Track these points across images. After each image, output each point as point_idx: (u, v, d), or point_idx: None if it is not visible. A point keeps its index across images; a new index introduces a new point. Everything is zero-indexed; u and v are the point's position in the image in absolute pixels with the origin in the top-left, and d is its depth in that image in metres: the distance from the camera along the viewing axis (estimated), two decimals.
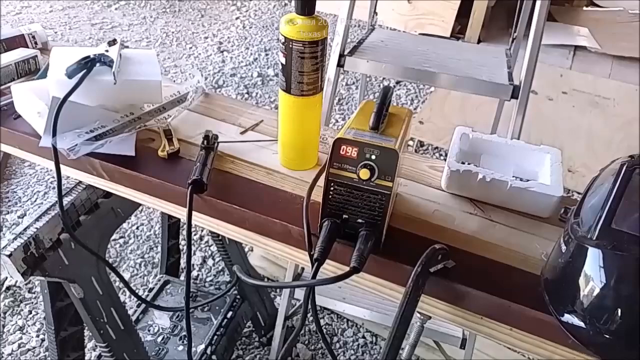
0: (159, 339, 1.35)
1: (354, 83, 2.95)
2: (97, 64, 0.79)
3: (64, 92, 0.75)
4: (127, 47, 0.90)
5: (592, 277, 0.52)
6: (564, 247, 0.57)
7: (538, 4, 1.14)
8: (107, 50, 0.82)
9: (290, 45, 0.68)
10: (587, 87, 2.93)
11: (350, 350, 1.57)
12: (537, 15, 1.15)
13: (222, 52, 3.22)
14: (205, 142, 0.79)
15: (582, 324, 0.54)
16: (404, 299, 0.60)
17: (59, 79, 0.77)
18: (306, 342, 1.59)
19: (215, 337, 1.37)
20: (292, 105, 0.74)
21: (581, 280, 0.53)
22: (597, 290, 0.52)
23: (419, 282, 0.60)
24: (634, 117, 2.63)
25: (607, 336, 0.52)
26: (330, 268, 0.69)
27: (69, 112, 0.75)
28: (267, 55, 3.21)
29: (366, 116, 0.65)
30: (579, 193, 2.13)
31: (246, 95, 2.79)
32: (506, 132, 1.24)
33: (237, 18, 3.73)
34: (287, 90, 0.72)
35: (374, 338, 1.61)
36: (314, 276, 0.60)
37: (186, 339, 0.84)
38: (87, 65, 0.78)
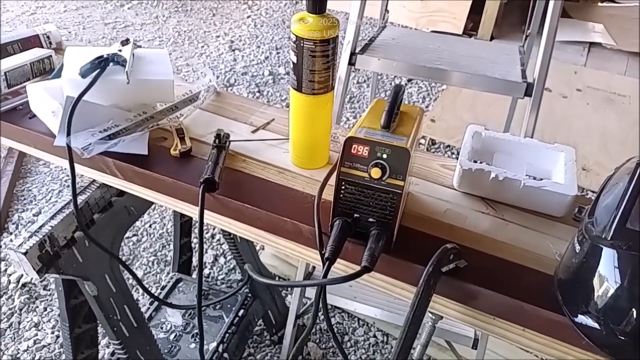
0: (172, 337, 1.36)
1: (365, 81, 2.94)
2: (111, 64, 0.80)
3: (78, 91, 0.76)
4: (139, 46, 0.90)
5: (607, 277, 0.52)
6: (578, 247, 0.56)
7: (551, 2, 1.13)
8: (120, 50, 0.83)
9: (302, 44, 0.68)
10: (601, 84, 2.89)
11: (361, 350, 1.57)
12: (551, 12, 1.13)
13: (233, 50, 3.23)
14: (216, 140, 0.80)
15: (596, 325, 0.53)
16: (415, 299, 0.59)
17: (73, 78, 0.78)
18: (317, 340, 1.59)
19: (227, 335, 1.37)
20: (303, 104, 0.74)
21: (595, 281, 0.53)
22: (611, 291, 0.51)
23: (430, 281, 0.59)
24: None
25: (622, 337, 0.51)
26: (341, 267, 0.69)
27: (83, 112, 0.76)
28: (278, 53, 3.21)
29: (377, 115, 0.65)
30: (593, 192, 2.10)
31: (257, 94, 2.80)
32: (519, 130, 1.22)
33: (248, 17, 3.74)
34: (299, 89, 0.72)
35: (385, 337, 1.60)
36: (325, 275, 0.60)
37: (198, 336, 0.85)
38: (100, 64, 0.78)
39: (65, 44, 1.10)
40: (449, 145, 2.40)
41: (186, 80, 0.89)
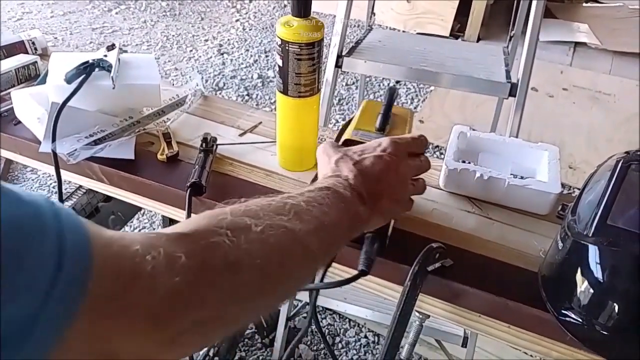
0: None
1: (353, 83, 2.95)
2: (96, 69, 0.79)
3: (63, 97, 0.75)
4: (125, 51, 0.90)
5: (589, 273, 0.52)
6: (560, 244, 0.57)
7: (534, 2, 1.14)
8: (105, 55, 0.83)
9: (287, 47, 0.68)
10: (587, 83, 2.93)
11: (352, 350, 1.57)
12: (534, 12, 1.15)
13: (222, 54, 3.23)
14: (204, 144, 0.80)
15: (579, 321, 0.54)
16: (401, 298, 0.60)
17: (58, 84, 0.77)
18: (309, 342, 1.59)
19: None
20: (289, 107, 0.74)
21: (578, 277, 0.53)
22: (593, 287, 0.52)
23: (416, 280, 0.60)
24: (634, 113, 2.62)
25: (604, 333, 0.52)
26: (332, 270, 0.69)
27: (69, 117, 0.76)
28: (267, 56, 3.21)
29: (369, 116, 0.65)
30: (579, 189, 2.12)
31: (246, 97, 2.79)
32: (505, 129, 1.24)
33: (237, 20, 3.73)
34: (285, 92, 0.73)
35: (376, 338, 1.61)
36: (320, 279, 0.60)
37: None
38: (85, 70, 0.78)
39: (51, 50, 1.10)
40: (437, 146, 2.42)
41: (174, 84, 0.88)
